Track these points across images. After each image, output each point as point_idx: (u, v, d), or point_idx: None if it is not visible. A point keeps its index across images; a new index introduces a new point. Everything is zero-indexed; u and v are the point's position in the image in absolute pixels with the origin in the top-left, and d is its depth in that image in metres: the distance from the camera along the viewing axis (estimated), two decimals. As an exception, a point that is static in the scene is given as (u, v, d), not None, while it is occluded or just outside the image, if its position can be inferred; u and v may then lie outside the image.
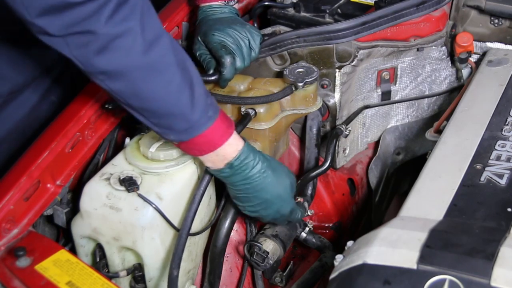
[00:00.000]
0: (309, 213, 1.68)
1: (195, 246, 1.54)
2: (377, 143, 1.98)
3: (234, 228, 1.64)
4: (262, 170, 1.38)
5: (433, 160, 1.42)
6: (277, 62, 1.76)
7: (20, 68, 1.65)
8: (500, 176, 1.33)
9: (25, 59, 1.65)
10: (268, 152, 1.63)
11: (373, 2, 1.81)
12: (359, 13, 1.77)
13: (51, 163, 1.45)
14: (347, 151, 1.89)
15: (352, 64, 1.73)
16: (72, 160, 1.51)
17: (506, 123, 1.49)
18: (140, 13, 1.16)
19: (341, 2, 1.83)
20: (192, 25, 1.82)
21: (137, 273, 1.47)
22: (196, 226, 1.49)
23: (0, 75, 1.62)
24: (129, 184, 1.39)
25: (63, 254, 1.35)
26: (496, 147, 1.42)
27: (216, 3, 1.70)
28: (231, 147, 1.34)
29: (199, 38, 1.65)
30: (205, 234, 1.59)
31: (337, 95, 1.76)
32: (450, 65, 1.93)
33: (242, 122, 1.52)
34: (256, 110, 1.56)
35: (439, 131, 1.58)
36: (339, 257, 1.23)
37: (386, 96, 1.89)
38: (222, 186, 1.48)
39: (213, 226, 1.57)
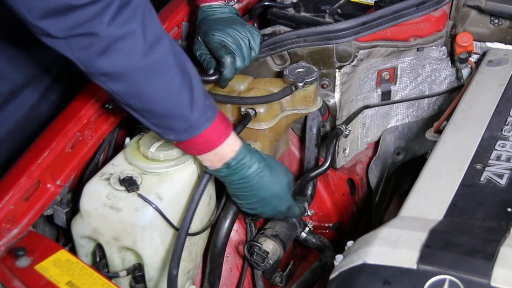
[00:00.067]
0: (309, 213, 1.68)
1: (195, 246, 1.54)
2: (377, 143, 1.98)
3: (234, 228, 1.64)
4: (259, 169, 1.40)
5: (433, 160, 1.42)
6: (277, 62, 1.76)
7: (20, 67, 1.65)
8: (500, 176, 1.33)
9: (25, 59, 1.65)
10: (268, 152, 1.63)
11: (373, 2, 1.81)
12: (359, 13, 1.77)
13: (51, 163, 1.45)
14: (347, 151, 1.89)
15: (352, 64, 1.73)
16: (72, 160, 1.51)
17: (506, 123, 1.49)
18: (141, 16, 1.17)
19: (341, 2, 1.83)
20: (192, 25, 1.82)
21: (137, 273, 1.47)
22: (196, 226, 1.49)
23: (0, 75, 1.62)
24: (129, 184, 1.39)
25: (63, 254, 1.35)
26: (496, 147, 1.42)
27: (216, 3, 1.70)
28: (229, 147, 1.35)
29: (199, 38, 1.65)
30: (205, 234, 1.59)
31: (337, 95, 1.76)
32: (450, 65, 1.93)
33: (242, 122, 1.52)
34: (256, 110, 1.56)
35: (439, 131, 1.58)
36: (339, 257, 1.23)
37: (386, 96, 1.90)
38: (222, 186, 1.48)
39: (213, 226, 1.57)
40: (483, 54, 1.85)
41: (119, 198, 1.39)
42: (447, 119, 1.58)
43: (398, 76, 1.87)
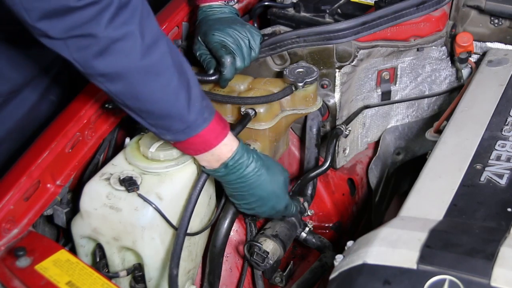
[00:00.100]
0: (309, 213, 1.68)
1: (194, 246, 1.54)
2: (377, 143, 1.98)
3: (234, 228, 1.64)
4: (256, 169, 1.40)
5: (433, 160, 1.42)
6: (277, 62, 1.76)
7: (18, 67, 1.66)
8: (500, 176, 1.33)
9: (24, 59, 1.65)
10: (268, 152, 1.63)
11: (373, 2, 1.81)
12: (359, 13, 1.77)
13: (51, 163, 1.45)
14: (347, 151, 1.89)
15: (352, 64, 1.73)
16: (72, 160, 1.51)
17: (506, 123, 1.49)
18: (139, 17, 1.18)
19: (341, 2, 1.83)
20: (192, 25, 1.82)
21: (137, 273, 1.47)
22: (196, 226, 1.49)
23: None
24: (129, 184, 1.39)
25: (63, 254, 1.35)
26: (496, 147, 1.42)
27: (216, 3, 1.70)
28: (226, 147, 1.36)
29: (199, 38, 1.65)
30: (205, 234, 1.59)
31: (337, 95, 1.76)
32: (450, 65, 1.93)
33: (241, 122, 1.52)
34: (256, 110, 1.56)
35: (439, 131, 1.58)
36: (339, 257, 1.23)
37: (386, 96, 1.89)
38: (222, 186, 1.48)
39: (213, 226, 1.57)
40: (483, 54, 1.85)
41: (119, 198, 1.39)
42: (447, 119, 1.58)
43: (398, 76, 1.87)
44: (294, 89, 1.61)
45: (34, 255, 1.33)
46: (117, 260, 1.46)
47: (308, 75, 1.62)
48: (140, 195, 1.38)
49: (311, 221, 1.76)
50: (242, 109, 1.56)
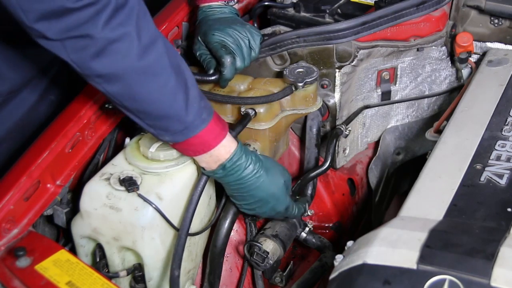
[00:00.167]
0: (309, 213, 1.68)
1: (195, 246, 1.54)
2: (377, 143, 1.98)
3: (234, 228, 1.64)
4: (254, 171, 1.40)
5: (433, 160, 1.42)
6: (277, 62, 1.76)
7: (17, 67, 1.66)
8: (500, 176, 1.33)
9: (23, 59, 1.65)
10: (268, 152, 1.63)
11: (373, 2, 1.81)
12: (359, 13, 1.77)
13: (51, 163, 1.45)
14: (347, 151, 1.89)
15: (352, 64, 1.73)
16: (72, 160, 1.51)
17: (506, 123, 1.49)
18: (136, 18, 1.18)
19: (341, 2, 1.83)
20: (192, 25, 1.82)
21: (137, 273, 1.47)
22: (196, 226, 1.49)
23: (-1, 75, 1.63)
24: (129, 184, 1.39)
25: (63, 254, 1.35)
26: (496, 147, 1.42)
27: (216, 3, 1.70)
28: (225, 148, 1.36)
29: (199, 38, 1.65)
30: (205, 234, 1.59)
31: (337, 95, 1.76)
32: (450, 65, 1.93)
33: (241, 122, 1.52)
34: (256, 110, 1.56)
35: (439, 131, 1.58)
36: (339, 257, 1.23)
37: (386, 96, 1.89)
38: (222, 186, 1.48)
39: (213, 226, 1.57)
40: (483, 54, 1.85)
41: (119, 198, 1.39)
42: (447, 119, 1.58)
43: (398, 76, 1.87)
44: (294, 89, 1.61)
45: (34, 255, 1.33)
46: (117, 260, 1.46)
47: (308, 75, 1.62)
48: (140, 195, 1.38)
49: (311, 221, 1.76)
50: (242, 109, 1.56)
